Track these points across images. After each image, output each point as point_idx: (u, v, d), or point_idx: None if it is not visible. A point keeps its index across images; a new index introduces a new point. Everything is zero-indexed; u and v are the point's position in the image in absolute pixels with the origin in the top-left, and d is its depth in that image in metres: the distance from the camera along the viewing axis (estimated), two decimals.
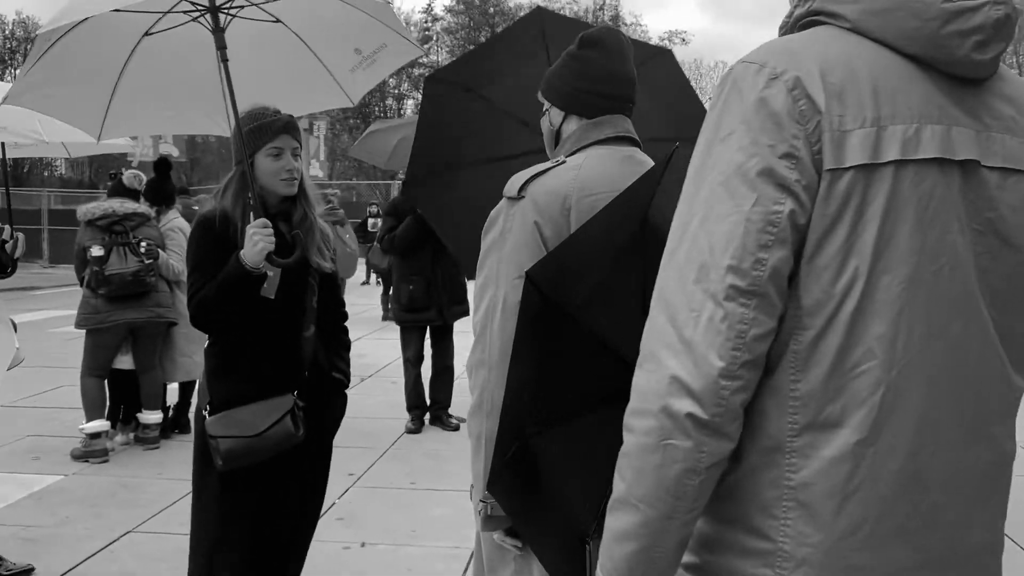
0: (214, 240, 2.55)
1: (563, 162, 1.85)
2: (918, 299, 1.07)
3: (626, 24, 40.39)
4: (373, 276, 17.09)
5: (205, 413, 2.59)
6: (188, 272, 2.62)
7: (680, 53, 43.15)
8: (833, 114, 1.05)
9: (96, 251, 5.28)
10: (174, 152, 21.98)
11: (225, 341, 2.64)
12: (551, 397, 1.67)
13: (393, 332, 8.64)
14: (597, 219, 1.67)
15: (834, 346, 1.07)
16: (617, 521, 1.15)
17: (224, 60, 2.64)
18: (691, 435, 1.06)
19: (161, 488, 4.88)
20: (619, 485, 1.15)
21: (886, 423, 1.08)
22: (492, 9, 38.24)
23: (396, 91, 39.70)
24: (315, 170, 23.54)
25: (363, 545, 4.12)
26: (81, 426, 5.45)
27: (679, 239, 1.11)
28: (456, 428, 6.10)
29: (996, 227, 1.12)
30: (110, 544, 4.09)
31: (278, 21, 3.02)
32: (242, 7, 2.87)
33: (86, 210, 5.45)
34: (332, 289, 2.89)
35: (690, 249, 1.09)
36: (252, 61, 3.13)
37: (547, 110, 2.01)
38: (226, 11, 2.78)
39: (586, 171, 1.82)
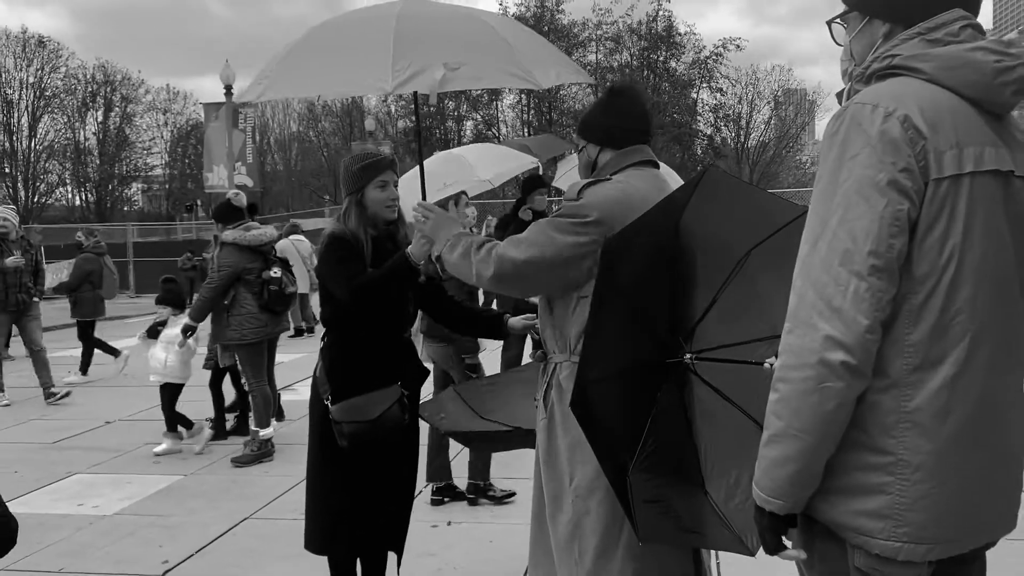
0: (350, 248, 3.09)
1: (609, 179, 2.43)
2: (987, 270, 1.51)
3: (680, 34, 40.56)
4: None
5: (327, 402, 3.12)
6: (333, 269, 3.09)
7: (735, 59, 43.00)
8: (932, 140, 1.48)
9: (276, 272, 6.06)
10: (249, 182, 23.03)
11: (342, 340, 3.20)
12: (601, 354, 2.19)
13: None
14: (643, 217, 2.20)
15: (937, 305, 1.49)
16: (777, 451, 1.53)
17: (420, 146, 3.23)
18: (843, 378, 1.46)
19: (268, 483, 5.53)
20: (776, 423, 1.53)
21: (971, 360, 1.50)
22: (547, 28, 38.83)
23: (455, 113, 40.55)
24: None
25: (449, 524, 4.69)
26: (262, 432, 6.11)
27: (819, 234, 1.51)
28: None
29: (1020, 217, 1.58)
30: (232, 528, 4.74)
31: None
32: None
33: (251, 236, 6.07)
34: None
35: (832, 240, 1.49)
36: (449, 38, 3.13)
37: (584, 147, 2.59)
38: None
39: (630, 187, 2.41)
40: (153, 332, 6.34)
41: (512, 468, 5.21)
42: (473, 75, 2.85)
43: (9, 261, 7.87)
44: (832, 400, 1.48)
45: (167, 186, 48.86)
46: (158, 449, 6.32)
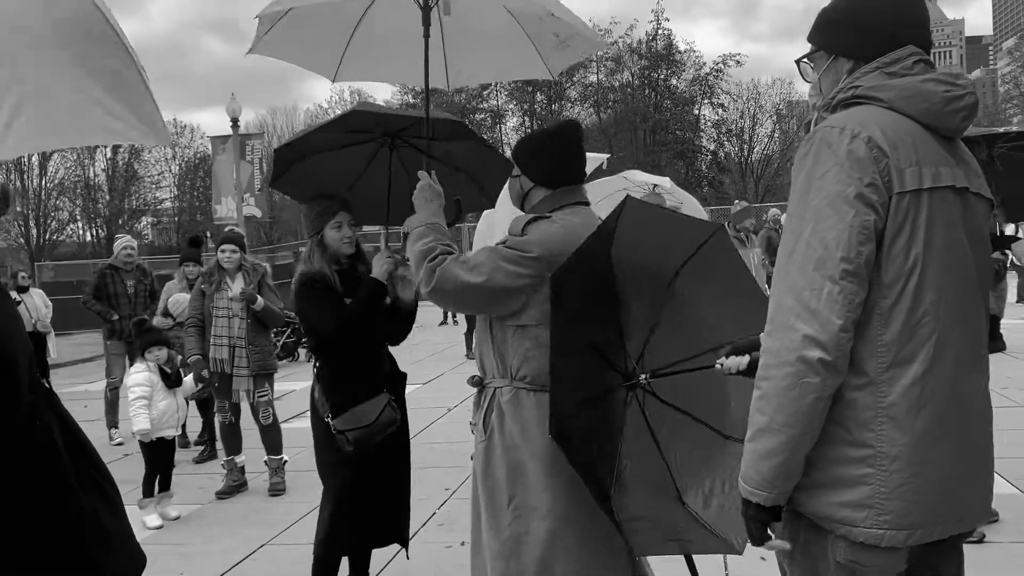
0: (323, 285, 3.53)
1: (550, 216, 2.57)
2: (949, 276, 1.67)
3: (680, 51, 40.87)
4: (450, 316, 17.86)
5: (328, 419, 3.51)
6: (316, 307, 3.52)
7: (736, 74, 43.15)
8: (893, 158, 1.65)
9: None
10: (257, 213, 23.23)
11: (334, 363, 3.57)
12: (570, 386, 2.31)
13: (473, 368, 9.11)
14: (579, 250, 2.35)
15: (905, 308, 1.64)
16: (762, 445, 1.66)
17: (426, 37, 3.17)
18: (820, 373, 1.60)
19: (285, 509, 5.63)
20: (760, 419, 1.66)
21: (939, 358, 1.65)
22: None
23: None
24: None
25: (463, 544, 4.75)
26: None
27: (794, 245, 1.67)
28: None
29: (976, 230, 1.75)
30: (251, 555, 4.84)
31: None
32: None
33: None
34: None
35: (806, 249, 1.64)
36: (472, 26, 3.52)
37: (519, 176, 2.71)
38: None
39: (570, 225, 2.54)
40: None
41: None
42: None
43: (157, 322, 7.32)
44: (811, 394, 1.61)
45: (176, 219, 49.26)
46: (153, 523, 5.53)
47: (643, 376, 2.46)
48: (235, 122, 20.88)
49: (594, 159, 8.73)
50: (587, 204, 2.69)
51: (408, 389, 3.81)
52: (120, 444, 7.87)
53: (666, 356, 2.50)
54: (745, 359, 2.10)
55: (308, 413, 7.87)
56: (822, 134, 1.70)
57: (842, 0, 1.87)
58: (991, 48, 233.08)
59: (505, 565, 2.52)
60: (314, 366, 3.68)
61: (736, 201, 8.32)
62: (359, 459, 3.52)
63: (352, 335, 3.47)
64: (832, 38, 1.87)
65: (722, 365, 2.16)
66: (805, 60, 1.95)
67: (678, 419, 2.52)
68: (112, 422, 8.12)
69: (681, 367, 2.46)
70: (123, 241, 8.29)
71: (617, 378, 2.47)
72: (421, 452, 6.96)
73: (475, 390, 2.73)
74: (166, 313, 7.22)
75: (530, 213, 2.63)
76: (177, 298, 7.14)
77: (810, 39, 1.93)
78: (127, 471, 6.89)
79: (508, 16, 3.40)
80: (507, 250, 2.49)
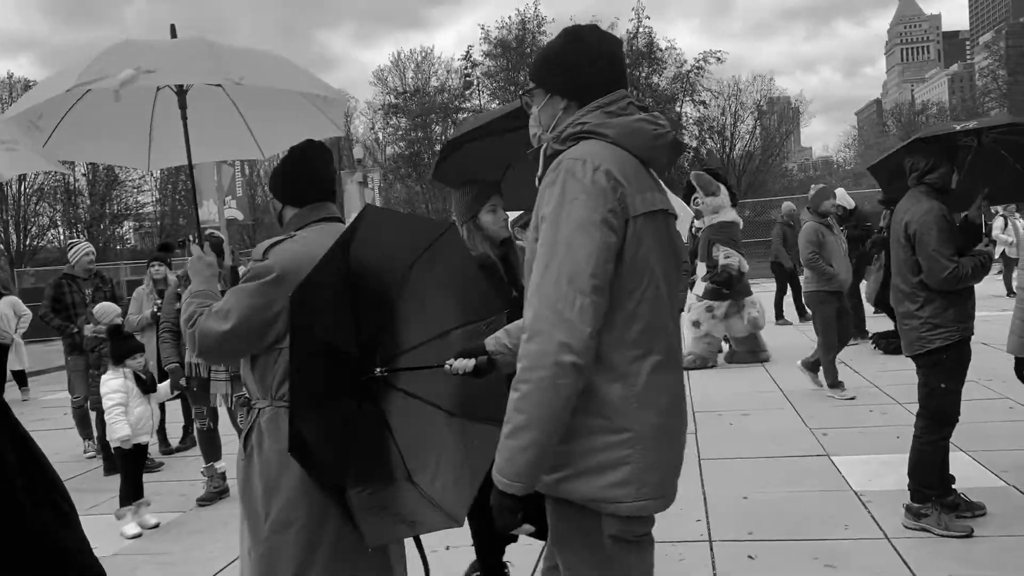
0: (492, 273, 3.40)
1: (294, 235, 2.68)
2: (664, 281, 1.99)
3: (661, 49, 40.96)
4: None
5: None
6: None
7: (716, 72, 43.23)
8: (627, 188, 1.92)
9: None
10: (239, 216, 23.10)
11: None
12: (309, 396, 2.36)
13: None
14: (319, 263, 2.40)
15: (645, 311, 1.94)
16: (520, 440, 1.84)
17: (184, 119, 3.30)
18: (571, 375, 1.82)
19: None
20: (519, 418, 1.84)
21: (668, 349, 1.99)
22: (529, 50, 39.13)
23: (442, 136, 40.75)
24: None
25: (447, 548, 4.72)
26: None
27: (547, 262, 1.87)
28: None
29: (672, 242, 2.06)
30: (233, 562, 4.76)
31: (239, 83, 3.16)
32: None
33: None
34: None
35: (560, 266, 1.85)
36: (257, 101, 3.75)
37: (272, 200, 2.86)
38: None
39: (311, 240, 2.64)
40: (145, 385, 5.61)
41: None
42: (165, 76, 3.06)
43: (87, 330, 7.18)
44: (564, 394, 1.82)
45: (159, 223, 48.93)
46: (131, 532, 5.41)
47: (379, 369, 2.59)
48: None
49: None
50: (338, 219, 2.79)
51: None
52: (92, 456, 7.66)
53: (401, 345, 2.69)
54: (472, 362, 2.36)
55: None
56: (567, 165, 1.92)
57: (557, 45, 2.09)
58: (968, 43, 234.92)
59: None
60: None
61: (812, 185, 8.31)
62: None
63: None
64: (549, 79, 2.09)
65: (451, 366, 2.38)
66: (526, 95, 2.18)
67: (409, 403, 2.70)
68: (86, 435, 7.82)
69: (415, 362, 2.64)
70: (82, 247, 7.74)
71: (354, 374, 2.58)
72: None
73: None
74: (91, 320, 7.05)
75: (281, 233, 2.75)
76: (103, 307, 7.02)
77: (530, 76, 2.16)
78: (102, 482, 6.81)
79: (279, 88, 3.49)
80: (248, 284, 2.57)
